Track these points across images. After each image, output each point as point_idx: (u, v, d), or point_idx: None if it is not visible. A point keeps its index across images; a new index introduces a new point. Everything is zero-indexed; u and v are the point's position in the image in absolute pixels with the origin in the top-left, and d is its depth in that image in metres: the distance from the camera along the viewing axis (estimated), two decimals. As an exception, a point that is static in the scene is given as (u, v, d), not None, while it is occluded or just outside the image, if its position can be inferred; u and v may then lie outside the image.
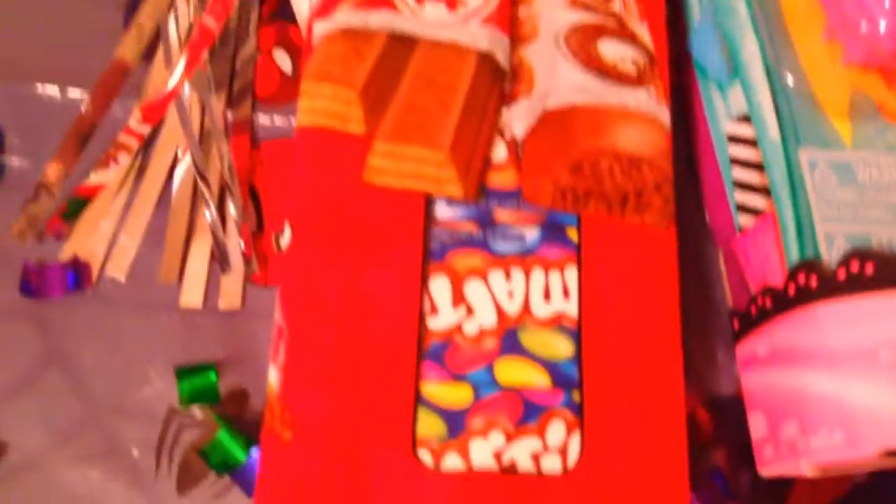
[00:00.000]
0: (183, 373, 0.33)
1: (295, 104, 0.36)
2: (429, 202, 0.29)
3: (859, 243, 0.28)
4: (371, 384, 0.27)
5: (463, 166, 0.29)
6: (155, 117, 0.34)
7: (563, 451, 0.28)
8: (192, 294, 0.35)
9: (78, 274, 0.34)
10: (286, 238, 0.29)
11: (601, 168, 0.30)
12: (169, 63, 0.36)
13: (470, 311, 0.28)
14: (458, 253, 0.29)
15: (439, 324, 0.28)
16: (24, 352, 0.34)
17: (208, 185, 0.35)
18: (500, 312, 0.29)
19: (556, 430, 0.28)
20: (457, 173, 0.29)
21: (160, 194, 0.36)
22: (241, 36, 0.38)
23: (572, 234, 0.30)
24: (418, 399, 0.27)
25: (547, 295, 0.29)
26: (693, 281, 0.35)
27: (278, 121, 0.37)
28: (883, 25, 0.30)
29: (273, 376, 0.28)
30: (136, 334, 0.34)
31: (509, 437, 0.27)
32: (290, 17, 0.38)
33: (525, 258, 0.29)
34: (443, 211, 0.29)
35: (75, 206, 0.34)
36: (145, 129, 0.34)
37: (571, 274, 0.29)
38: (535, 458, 0.27)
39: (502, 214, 0.30)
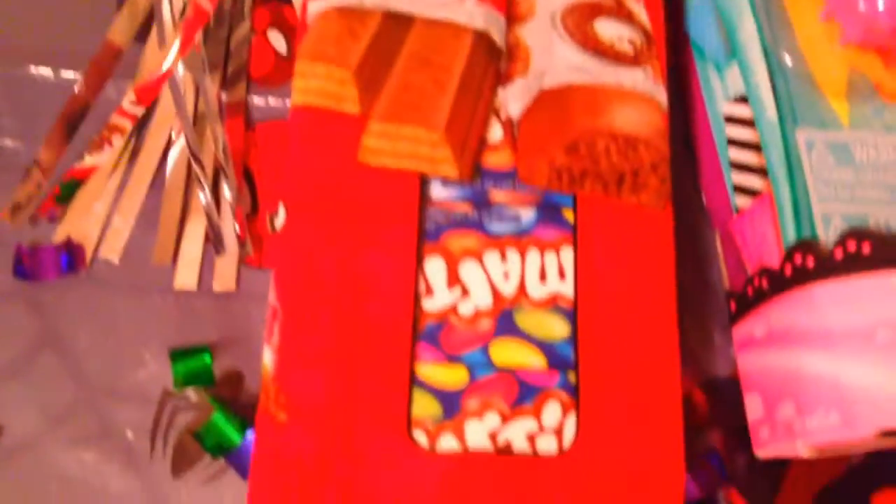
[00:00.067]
0: (177, 355, 0.33)
1: (290, 85, 0.36)
2: (424, 182, 0.29)
3: (856, 223, 0.28)
4: (366, 365, 0.27)
5: (458, 146, 0.29)
6: (148, 98, 0.33)
7: (559, 432, 0.27)
8: (186, 276, 0.34)
9: (71, 256, 0.34)
10: (281, 219, 0.29)
11: (597, 148, 0.30)
12: (163, 44, 0.36)
13: (465, 291, 0.28)
14: (454, 234, 0.29)
15: (434, 305, 0.28)
16: (17, 334, 0.33)
17: (202, 167, 0.34)
18: (496, 293, 0.28)
19: (552, 411, 0.28)
20: (452, 153, 0.29)
21: (154, 176, 0.35)
22: (235, 16, 0.37)
23: (568, 214, 0.30)
24: (413, 380, 0.27)
25: (542, 276, 0.29)
26: (689, 262, 0.35)
27: (273, 102, 0.37)
28: (881, 3, 0.30)
29: (268, 358, 0.28)
30: (130, 316, 0.34)
31: (505, 418, 0.27)
32: (284, -4, 0.38)
33: (520, 239, 0.29)
34: (438, 191, 0.29)
35: (69, 188, 0.34)
36: (139, 111, 0.34)
37: (567, 255, 0.29)
38: (531, 439, 0.27)
39: (498, 195, 0.29)
